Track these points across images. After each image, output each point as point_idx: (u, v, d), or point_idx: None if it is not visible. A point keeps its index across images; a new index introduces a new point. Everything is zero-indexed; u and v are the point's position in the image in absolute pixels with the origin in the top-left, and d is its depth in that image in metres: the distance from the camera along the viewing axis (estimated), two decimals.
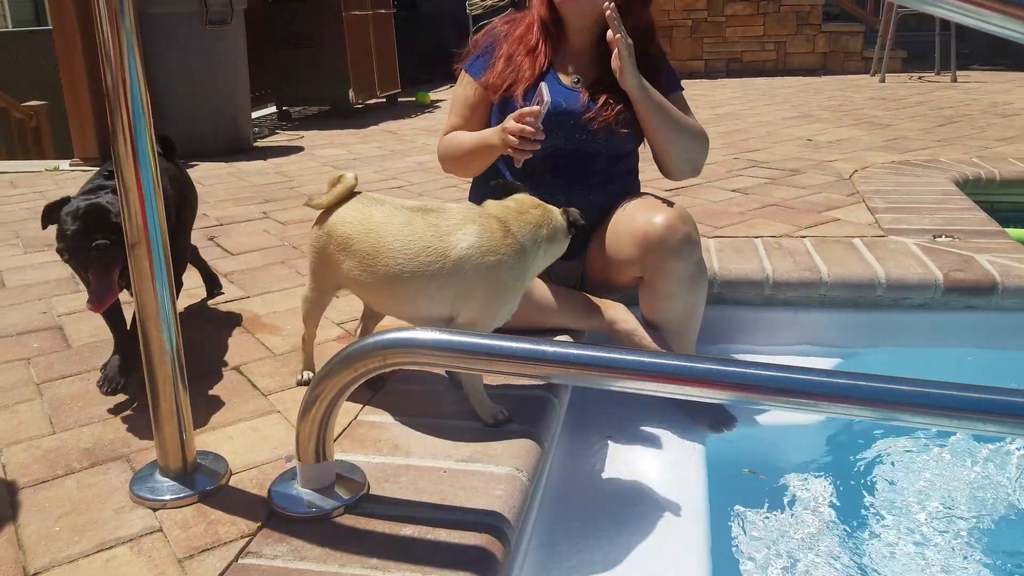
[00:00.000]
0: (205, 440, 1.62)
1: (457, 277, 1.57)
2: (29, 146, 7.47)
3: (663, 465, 1.96)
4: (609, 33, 1.93)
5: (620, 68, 1.94)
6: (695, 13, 8.62)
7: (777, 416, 2.17)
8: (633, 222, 1.96)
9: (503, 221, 1.61)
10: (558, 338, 2.03)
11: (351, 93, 6.53)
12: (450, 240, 1.58)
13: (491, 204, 1.70)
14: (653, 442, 2.06)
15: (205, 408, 1.77)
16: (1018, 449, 2.01)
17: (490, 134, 1.96)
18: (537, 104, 1.80)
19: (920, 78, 7.66)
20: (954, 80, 7.38)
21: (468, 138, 2.08)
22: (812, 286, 2.45)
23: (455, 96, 2.20)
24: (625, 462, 1.99)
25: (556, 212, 1.70)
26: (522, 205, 1.68)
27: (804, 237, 2.81)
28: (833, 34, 8.47)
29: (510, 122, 1.84)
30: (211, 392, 1.85)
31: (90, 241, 1.69)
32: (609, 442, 2.06)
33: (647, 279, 1.97)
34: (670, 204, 1.98)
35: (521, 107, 1.94)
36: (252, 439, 1.63)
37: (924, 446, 2.10)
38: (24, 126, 7.53)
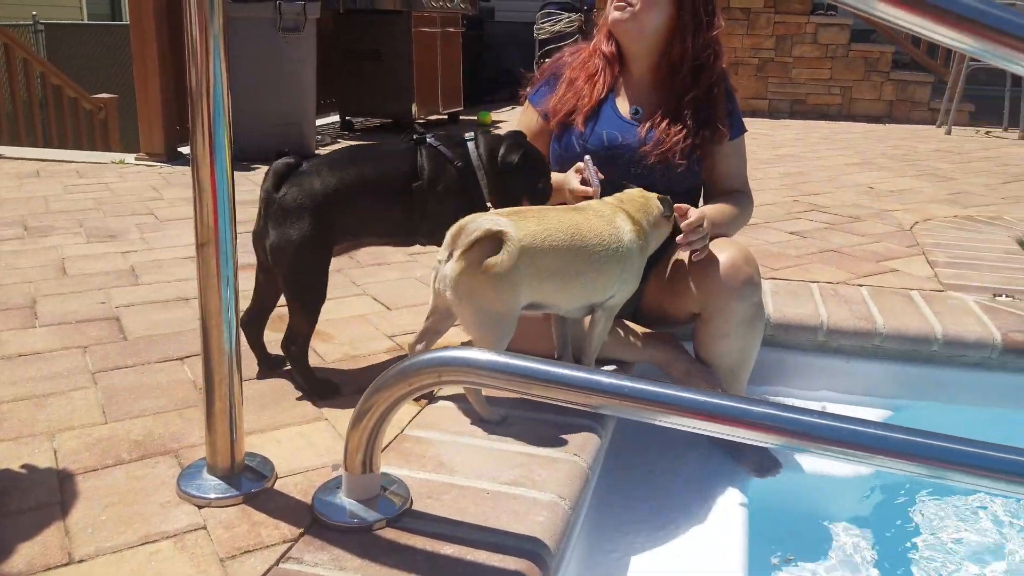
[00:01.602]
0: (253, 442, 1.64)
1: (627, 260, 1.78)
2: (96, 138, 7.67)
3: (705, 504, 1.93)
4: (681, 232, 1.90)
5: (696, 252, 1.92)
6: (762, 52, 8.58)
7: (821, 464, 2.14)
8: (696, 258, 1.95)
9: (625, 210, 1.82)
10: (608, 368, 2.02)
11: (414, 108, 6.60)
12: (616, 227, 1.77)
13: (606, 199, 1.88)
14: (695, 480, 2.04)
15: (256, 410, 1.79)
16: None
17: (562, 181, 2.04)
18: (589, 179, 1.96)
19: (987, 133, 7.53)
20: (1022, 137, 7.23)
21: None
22: (866, 336, 2.41)
23: (519, 123, 2.23)
24: (666, 497, 1.98)
25: (653, 197, 1.89)
26: (629, 195, 1.88)
27: (861, 286, 2.77)
28: (901, 83, 8.36)
29: (574, 182, 1.97)
30: (261, 395, 1.88)
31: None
32: (651, 476, 2.05)
33: (704, 316, 1.96)
34: (735, 243, 1.97)
35: (580, 133, 2.06)
36: (299, 444, 1.65)
37: (970, 505, 2.05)
38: (93, 118, 7.74)
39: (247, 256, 2.91)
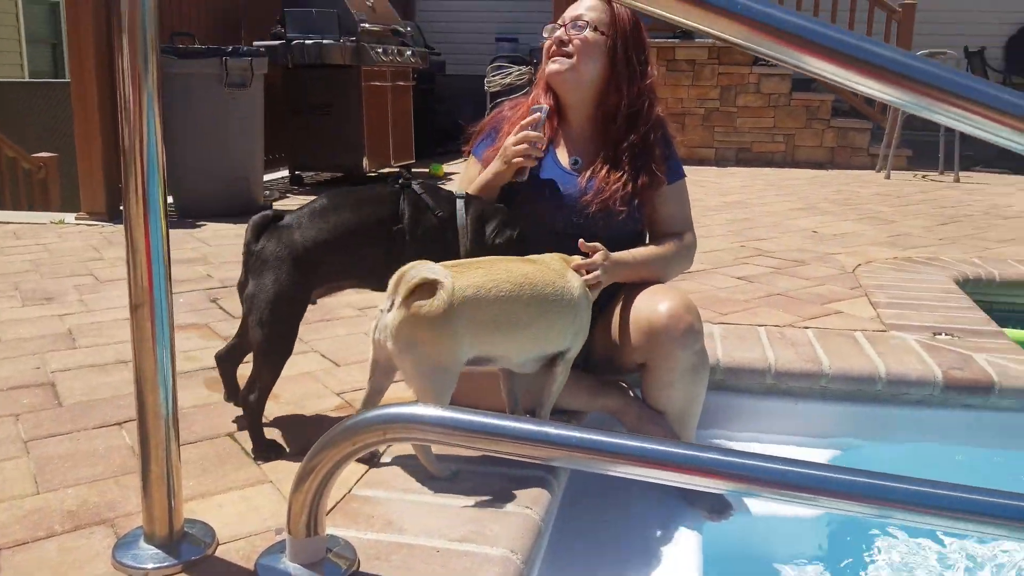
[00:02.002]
0: (193, 508, 1.59)
1: (579, 311, 1.79)
2: (36, 197, 7.53)
3: (659, 550, 1.92)
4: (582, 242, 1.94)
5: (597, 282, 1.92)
6: (707, 102, 8.78)
7: (773, 505, 2.13)
8: (636, 308, 1.96)
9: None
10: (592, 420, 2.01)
11: (365, 161, 6.60)
12: (567, 279, 1.79)
13: (546, 255, 1.87)
14: (649, 525, 2.03)
15: (196, 474, 1.74)
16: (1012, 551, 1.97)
17: (494, 164, 2.05)
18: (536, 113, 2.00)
19: (924, 177, 7.77)
20: (957, 180, 7.48)
21: (477, 180, 2.11)
22: (813, 377, 2.44)
23: (463, 177, 2.25)
24: (621, 545, 1.96)
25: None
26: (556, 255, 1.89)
27: (807, 328, 2.81)
28: (841, 130, 8.61)
29: (510, 139, 2.00)
30: (202, 458, 1.83)
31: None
32: (605, 523, 2.03)
33: (649, 366, 1.97)
34: (675, 291, 1.99)
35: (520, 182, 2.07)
36: (242, 509, 1.60)
37: (922, 543, 2.06)
38: (32, 177, 7.60)
39: (185, 316, 2.88)
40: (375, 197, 1.96)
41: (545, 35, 2.14)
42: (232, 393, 2.06)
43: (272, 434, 1.93)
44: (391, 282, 1.62)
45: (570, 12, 2.10)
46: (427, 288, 1.58)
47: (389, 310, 1.61)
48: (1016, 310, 3.62)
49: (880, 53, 0.92)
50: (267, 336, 1.84)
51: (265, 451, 1.83)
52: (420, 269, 1.60)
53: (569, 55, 2.06)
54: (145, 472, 1.41)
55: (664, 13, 0.99)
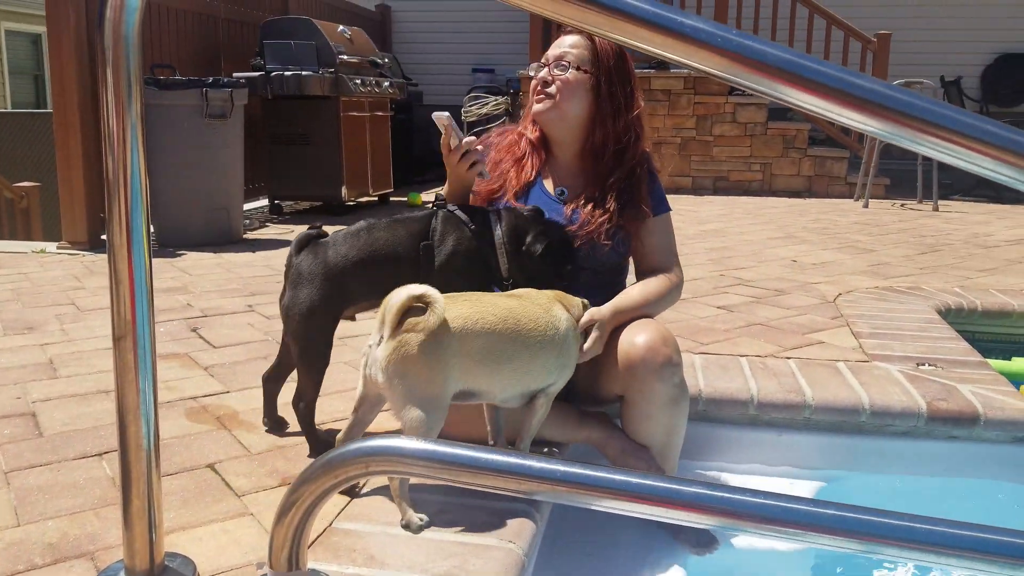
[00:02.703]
0: (174, 541, 1.57)
1: (564, 346, 1.79)
2: (18, 227, 7.48)
3: None
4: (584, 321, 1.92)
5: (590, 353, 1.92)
6: (684, 131, 8.88)
7: (759, 540, 2.13)
8: (615, 340, 1.95)
9: (560, 300, 1.85)
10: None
11: (344, 190, 6.61)
12: (553, 315, 1.78)
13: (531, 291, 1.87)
14: (633, 560, 2.01)
15: (178, 507, 1.72)
16: None
17: (450, 178, 2.12)
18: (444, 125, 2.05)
19: (903, 205, 7.86)
20: (936, 209, 7.57)
21: (448, 188, 2.15)
22: (796, 408, 2.44)
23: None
24: None
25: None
26: (552, 292, 1.89)
27: (789, 358, 2.82)
28: (818, 158, 8.72)
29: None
30: (183, 490, 1.80)
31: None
32: (589, 557, 2.01)
33: (628, 399, 1.97)
34: (653, 324, 1.99)
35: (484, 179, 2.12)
36: (223, 542, 1.58)
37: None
38: (14, 206, 7.56)
39: (165, 346, 2.85)
40: (411, 218, 2.00)
41: (531, 72, 2.17)
42: (271, 417, 2.16)
43: (252, 465, 1.91)
44: (377, 316, 1.61)
45: (553, 51, 2.12)
46: (415, 313, 1.58)
47: (379, 344, 1.60)
48: (998, 340, 3.65)
49: (860, 84, 0.93)
50: (302, 349, 1.96)
51: (318, 452, 1.88)
52: (402, 291, 1.59)
53: (552, 95, 2.08)
54: (126, 505, 1.39)
55: (646, 47, 1.00)
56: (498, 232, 1.95)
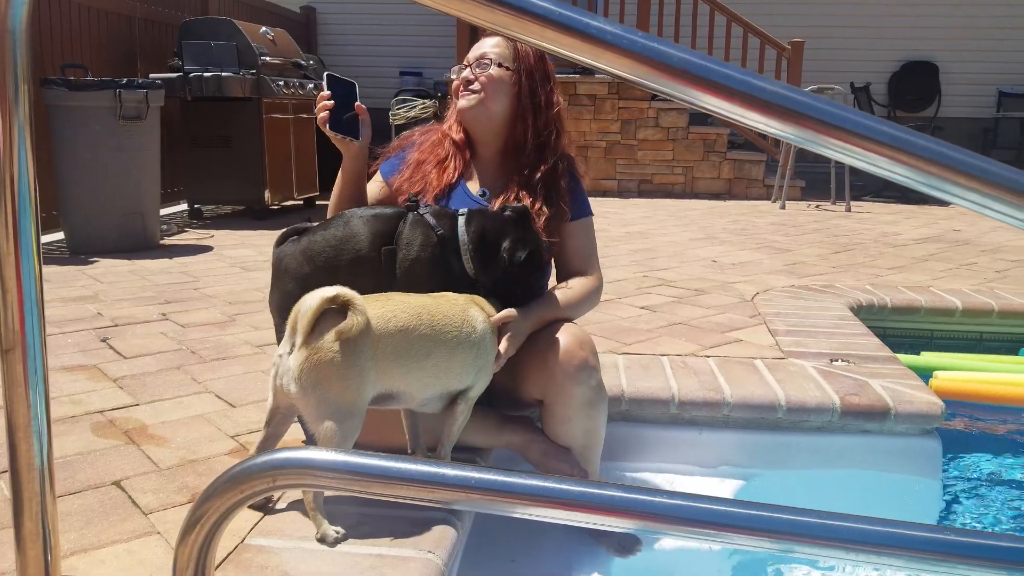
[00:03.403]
0: (74, 564, 1.49)
1: (482, 346, 1.75)
2: None
3: None
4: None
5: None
6: (609, 135, 8.98)
7: (682, 540, 2.14)
8: (532, 344, 1.94)
9: (475, 301, 1.81)
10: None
11: (267, 194, 6.48)
12: (469, 314, 1.75)
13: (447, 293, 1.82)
14: (557, 564, 2.01)
15: (78, 527, 1.64)
16: None
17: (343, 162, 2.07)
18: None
19: (817, 207, 8.09)
20: (848, 210, 7.81)
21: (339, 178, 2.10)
22: (716, 406, 2.47)
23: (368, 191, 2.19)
24: None
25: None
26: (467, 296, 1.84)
27: (709, 357, 2.86)
28: (737, 162, 8.91)
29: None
30: (86, 510, 1.72)
31: None
32: (512, 564, 2.00)
33: (546, 402, 1.97)
34: (570, 327, 1.99)
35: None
36: (127, 563, 1.51)
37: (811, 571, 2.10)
38: None
39: (73, 357, 2.73)
40: (381, 215, 1.91)
41: (452, 75, 2.17)
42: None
43: (160, 481, 1.84)
44: (288, 324, 1.57)
45: (474, 52, 2.13)
46: (329, 319, 1.54)
47: (290, 353, 1.55)
48: (907, 335, 3.78)
49: (761, 86, 0.94)
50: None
51: None
52: (315, 294, 1.54)
53: (476, 91, 2.09)
54: (18, 527, 1.31)
55: (554, 48, 0.99)
56: (464, 237, 1.89)
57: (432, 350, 1.68)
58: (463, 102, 2.11)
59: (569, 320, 2.05)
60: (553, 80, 2.17)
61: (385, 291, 1.76)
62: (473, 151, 2.19)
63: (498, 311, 1.84)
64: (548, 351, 1.92)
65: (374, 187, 2.19)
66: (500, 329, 1.84)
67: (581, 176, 2.23)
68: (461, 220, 1.92)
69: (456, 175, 2.13)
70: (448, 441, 1.80)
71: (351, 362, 1.55)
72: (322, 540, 1.57)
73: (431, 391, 1.74)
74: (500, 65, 2.08)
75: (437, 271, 1.87)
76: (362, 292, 1.82)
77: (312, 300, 1.54)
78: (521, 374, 1.98)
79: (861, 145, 0.95)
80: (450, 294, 1.82)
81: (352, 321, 1.53)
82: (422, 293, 1.76)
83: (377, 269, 1.86)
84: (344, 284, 1.81)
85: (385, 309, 1.63)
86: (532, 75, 2.11)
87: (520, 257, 1.88)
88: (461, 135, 2.17)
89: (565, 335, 1.93)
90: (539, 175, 2.11)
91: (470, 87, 2.10)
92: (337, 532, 1.58)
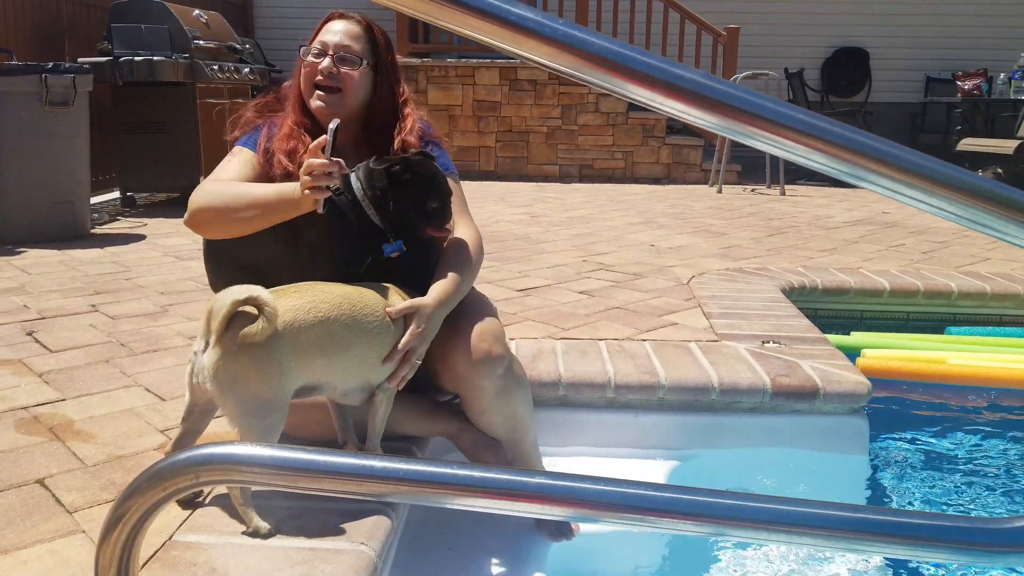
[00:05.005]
0: None
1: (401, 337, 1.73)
2: None
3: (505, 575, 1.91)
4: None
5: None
6: (550, 121, 8.98)
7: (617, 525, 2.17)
8: (436, 339, 1.87)
9: (397, 289, 1.80)
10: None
11: (202, 180, 6.34)
12: (390, 301, 1.74)
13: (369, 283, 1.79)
14: (495, 551, 2.01)
15: None
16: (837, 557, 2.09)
17: (291, 188, 1.77)
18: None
19: (753, 190, 8.22)
20: (783, 193, 7.95)
21: (261, 190, 1.83)
22: (651, 389, 2.50)
23: (225, 169, 2.01)
24: (467, 573, 1.93)
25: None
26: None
27: (645, 340, 2.89)
28: (676, 147, 9.00)
29: (303, 168, 1.74)
30: (8, 510, 1.67)
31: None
32: (450, 552, 2.00)
33: (461, 397, 1.95)
34: (473, 319, 1.91)
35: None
36: (50, 563, 1.47)
37: (767, 553, 2.14)
38: None
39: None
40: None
41: (308, 58, 2.00)
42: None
43: (86, 478, 1.79)
44: (202, 319, 1.53)
45: (332, 39, 1.99)
46: (243, 317, 1.51)
47: (204, 350, 1.52)
48: (838, 316, 3.87)
49: (678, 74, 0.94)
50: None
51: None
52: (228, 293, 1.51)
53: (338, 89, 1.97)
54: None
55: (476, 35, 0.98)
56: (357, 185, 1.85)
57: (355, 341, 1.66)
58: (321, 104, 1.97)
59: (470, 293, 1.98)
60: (398, 68, 2.10)
61: (301, 258, 1.75)
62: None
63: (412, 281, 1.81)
64: (450, 347, 1.87)
65: (239, 165, 2.00)
66: (405, 320, 1.78)
67: (439, 139, 2.14)
68: (353, 175, 1.88)
69: (338, 166, 2.00)
70: (375, 433, 1.79)
71: (268, 357, 1.52)
72: (254, 535, 1.55)
73: (353, 382, 1.72)
74: (363, 61, 1.98)
75: (347, 241, 1.85)
76: (279, 261, 1.80)
77: (223, 301, 1.49)
78: (432, 368, 1.93)
79: (777, 132, 0.97)
80: (371, 283, 1.79)
81: (257, 327, 1.49)
82: (337, 255, 1.73)
83: (283, 237, 1.83)
84: (260, 250, 1.82)
85: (304, 300, 1.60)
86: (388, 68, 2.04)
87: (383, 181, 1.83)
88: (309, 124, 2.02)
89: (465, 327, 1.89)
90: (395, 148, 2.02)
91: (332, 84, 1.96)
92: (269, 526, 1.56)
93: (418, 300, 1.81)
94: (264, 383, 1.53)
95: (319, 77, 1.97)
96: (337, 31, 2.01)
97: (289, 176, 1.91)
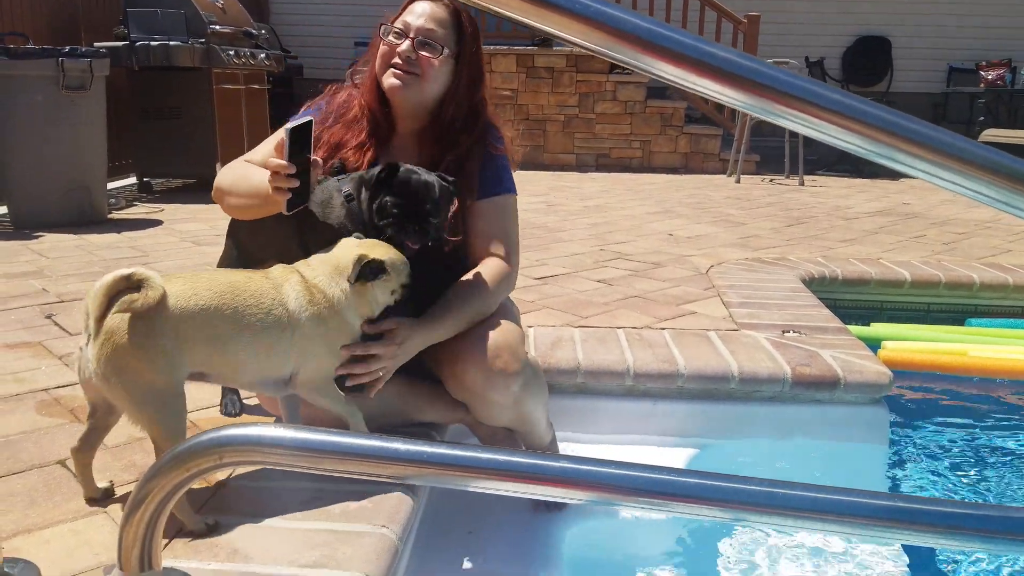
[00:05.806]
0: (17, 545, 1.45)
1: (298, 329, 1.62)
2: None
3: (525, 562, 1.90)
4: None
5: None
6: (567, 109, 8.95)
7: (635, 510, 2.16)
8: (449, 352, 1.83)
9: (303, 274, 1.66)
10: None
11: (219, 167, 6.34)
12: (283, 292, 1.62)
13: (297, 263, 1.72)
14: (514, 534, 2.01)
15: (22, 507, 1.60)
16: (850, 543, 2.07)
17: (265, 184, 1.70)
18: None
19: (772, 180, 8.16)
20: (802, 183, 7.89)
21: (259, 178, 1.75)
22: (670, 378, 2.49)
23: (262, 147, 2.01)
24: (488, 559, 1.93)
25: (352, 258, 1.65)
26: (334, 253, 1.70)
27: (663, 329, 2.87)
28: (694, 136, 8.95)
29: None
30: (30, 490, 1.68)
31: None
32: (470, 535, 2.00)
33: (471, 408, 1.91)
34: (484, 334, 1.83)
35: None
36: (72, 544, 1.47)
37: (785, 541, 2.13)
38: None
39: (16, 334, 2.66)
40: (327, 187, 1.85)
41: (388, 38, 1.89)
42: None
43: (107, 459, 1.80)
44: (81, 313, 1.47)
45: (416, 21, 1.86)
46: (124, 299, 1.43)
47: (88, 343, 1.45)
48: (858, 307, 3.84)
49: (712, 52, 0.92)
50: None
51: None
52: (105, 276, 1.43)
53: (415, 71, 1.86)
54: None
55: (506, 12, 0.97)
56: (353, 204, 1.81)
57: (237, 334, 1.56)
58: (397, 82, 1.86)
59: (477, 314, 1.87)
60: (483, 60, 2.00)
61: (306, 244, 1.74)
62: (391, 125, 1.99)
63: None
64: (460, 355, 1.81)
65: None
66: (389, 334, 1.72)
67: (500, 152, 2.00)
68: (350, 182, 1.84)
69: (366, 163, 1.94)
70: (350, 422, 1.71)
71: (150, 343, 1.45)
72: (191, 534, 1.49)
73: (250, 375, 1.64)
74: (445, 49, 1.87)
75: (347, 232, 1.81)
76: (287, 245, 1.80)
77: (101, 281, 1.43)
78: (444, 379, 1.89)
79: (812, 113, 0.95)
80: (276, 267, 1.70)
81: (140, 295, 1.42)
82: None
83: (289, 224, 1.80)
84: (271, 239, 1.83)
85: (187, 287, 1.52)
86: (472, 58, 1.93)
87: (382, 188, 1.77)
88: (377, 105, 1.95)
89: (479, 333, 1.82)
90: (455, 157, 1.93)
91: (410, 68, 1.86)
92: (206, 522, 1.51)
93: (403, 324, 1.75)
94: (150, 369, 1.46)
95: (396, 60, 1.86)
96: (422, 13, 1.87)
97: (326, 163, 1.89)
